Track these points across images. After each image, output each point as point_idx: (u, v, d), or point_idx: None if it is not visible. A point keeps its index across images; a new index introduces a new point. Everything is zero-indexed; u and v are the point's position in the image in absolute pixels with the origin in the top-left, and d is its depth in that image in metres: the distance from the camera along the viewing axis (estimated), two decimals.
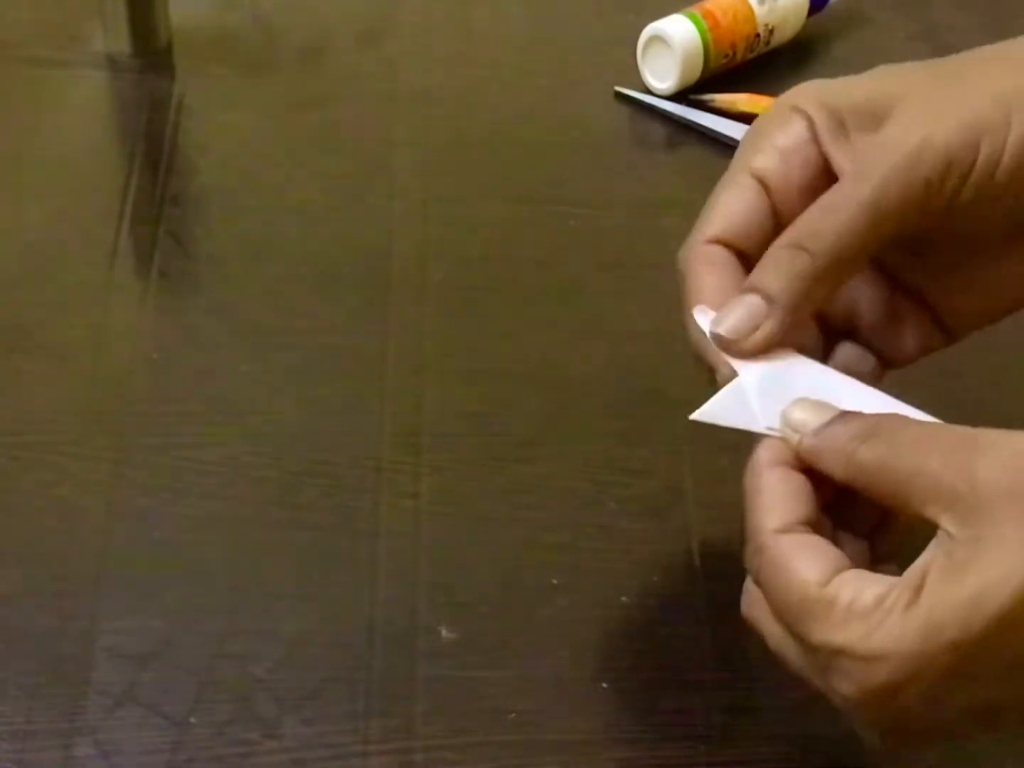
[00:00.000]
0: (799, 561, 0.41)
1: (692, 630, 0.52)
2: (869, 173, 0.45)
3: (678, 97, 0.74)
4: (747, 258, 0.47)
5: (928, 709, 0.39)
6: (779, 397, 0.45)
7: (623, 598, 0.52)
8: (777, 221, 0.47)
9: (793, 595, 0.40)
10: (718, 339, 0.46)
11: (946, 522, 0.39)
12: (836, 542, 0.43)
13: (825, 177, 0.47)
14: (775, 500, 0.43)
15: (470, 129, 0.72)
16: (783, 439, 0.44)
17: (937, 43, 0.80)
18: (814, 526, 0.42)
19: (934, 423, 0.43)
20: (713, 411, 0.46)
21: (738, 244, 0.48)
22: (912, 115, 0.45)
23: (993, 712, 0.40)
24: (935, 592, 0.38)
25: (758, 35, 0.75)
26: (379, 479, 0.55)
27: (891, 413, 0.43)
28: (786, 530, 0.42)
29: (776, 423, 0.44)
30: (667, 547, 0.54)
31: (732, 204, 0.48)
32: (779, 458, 0.43)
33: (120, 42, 0.73)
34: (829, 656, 0.39)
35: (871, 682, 0.39)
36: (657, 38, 0.74)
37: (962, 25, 0.82)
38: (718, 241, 0.48)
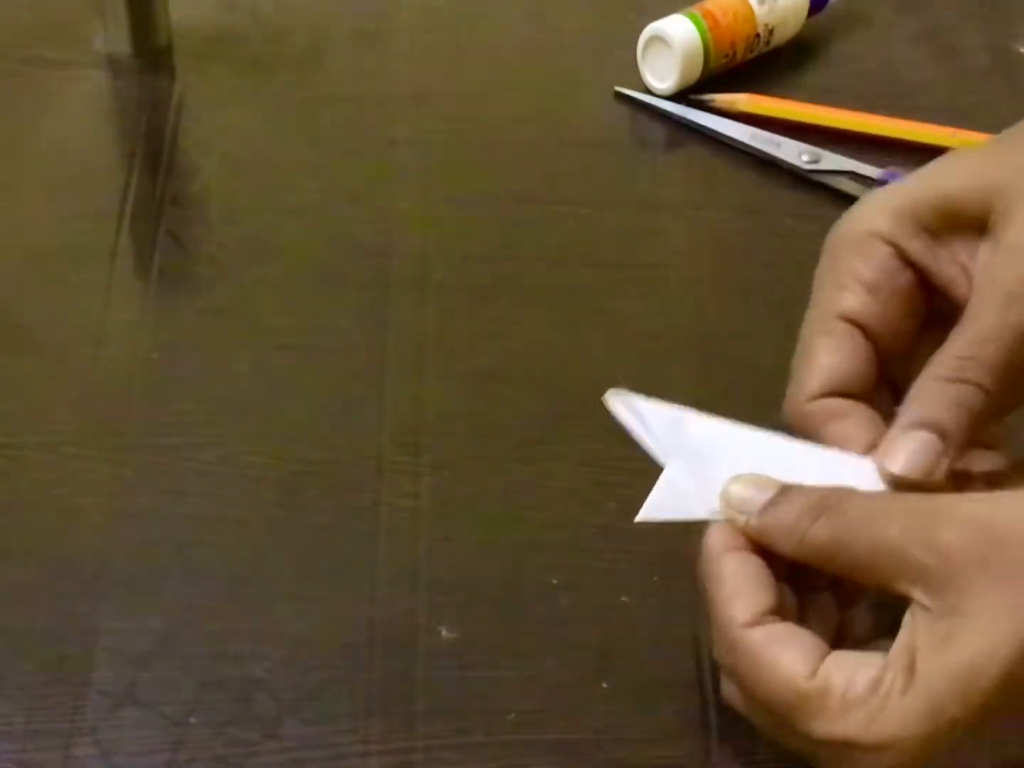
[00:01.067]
0: (780, 656, 0.41)
1: (692, 630, 0.52)
2: (1015, 290, 0.42)
3: (678, 97, 0.74)
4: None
5: None
6: (713, 476, 0.45)
7: (623, 598, 0.52)
8: (879, 362, 0.46)
9: (782, 692, 0.40)
10: (892, 479, 0.43)
11: (919, 596, 0.39)
12: (802, 618, 0.43)
13: (921, 294, 0.45)
14: (738, 590, 0.42)
15: (470, 129, 0.72)
16: (729, 521, 0.43)
17: (937, 43, 0.80)
18: (781, 611, 0.42)
19: (884, 494, 0.43)
20: (652, 510, 0.45)
21: (851, 391, 0.46)
22: None
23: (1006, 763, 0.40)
24: (928, 671, 0.38)
25: (758, 35, 0.75)
26: (379, 479, 0.55)
27: (836, 487, 0.43)
28: (757, 623, 0.41)
29: (716, 505, 0.44)
30: (667, 547, 0.54)
31: (830, 356, 0.46)
32: (732, 543, 0.43)
33: (120, 42, 0.73)
34: (837, 748, 0.40)
35: None
36: (657, 38, 0.74)
37: (962, 25, 0.82)
38: (829, 394, 0.46)
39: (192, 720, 0.47)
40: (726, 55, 0.74)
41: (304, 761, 0.47)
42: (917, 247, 0.45)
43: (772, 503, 0.43)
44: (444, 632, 0.51)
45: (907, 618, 0.40)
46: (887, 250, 0.46)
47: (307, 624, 0.50)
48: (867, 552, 0.40)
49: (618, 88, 0.75)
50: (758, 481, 0.44)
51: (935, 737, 0.38)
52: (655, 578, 0.53)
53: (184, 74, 0.73)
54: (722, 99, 0.74)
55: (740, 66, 0.76)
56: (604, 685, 0.50)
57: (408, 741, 0.47)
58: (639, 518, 0.45)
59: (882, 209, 0.46)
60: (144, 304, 0.62)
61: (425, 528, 0.54)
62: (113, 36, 0.73)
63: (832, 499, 0.42)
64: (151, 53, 0.74)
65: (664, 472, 0.46)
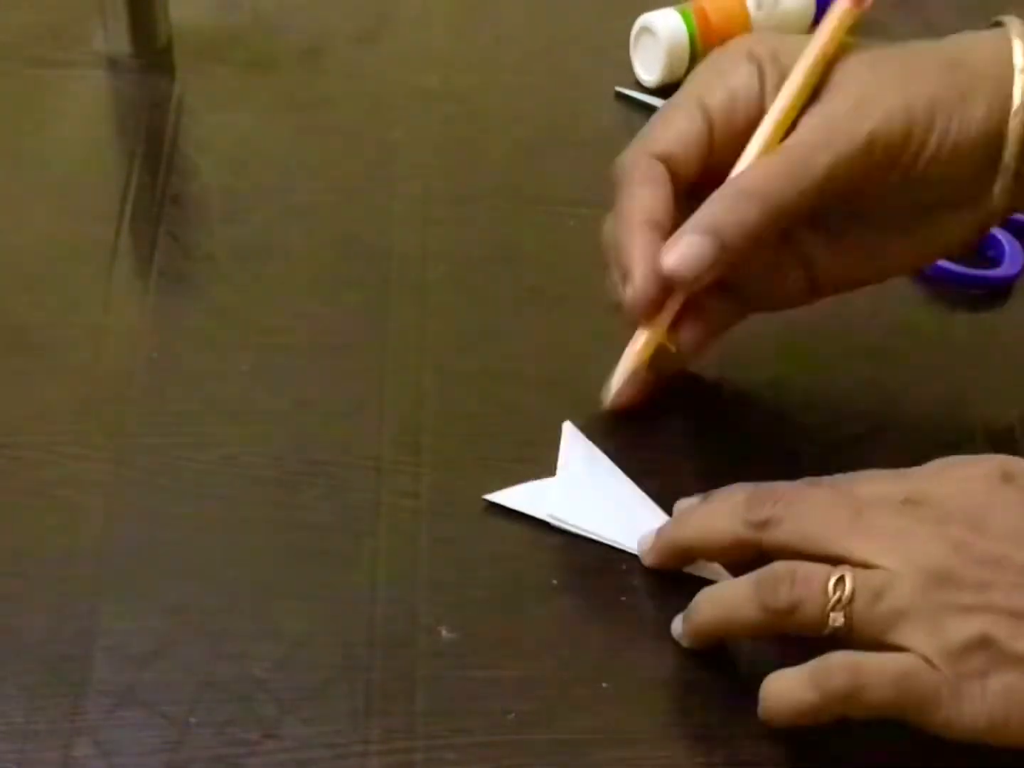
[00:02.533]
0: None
1: None
2: (825, 144, 0.51)
3: (672, 91, 0.74)
4: (679, 180, 0.53)
5: None
6: (584, 497, 0.54)
7: (623, 598, 0.52)
8: (712, 155, 0.53)
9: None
10: (666, 270, 0.51)
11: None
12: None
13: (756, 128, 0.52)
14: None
15: (470, 129, 0.72)
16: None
17: None
18: None
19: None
20: (507, 498, 0.54)
21: (677, 166, 0.53)
22: (857, 95, 0.51)
23: None
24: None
25: None
26: (379, 479, 0.55)
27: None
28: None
29: (567, 516, 0.53)
30: None
31: (680, 127, 0.53)
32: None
33: (120, 42, 0.73)
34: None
35: None
36: (646, 30, 0.74)
37: (961, 25, 0.82)
38: (659, 157, 0.53)
39: (192, 720, 0.47)
40: None
41: (304, 761, 0.47)
42: (772, 91, 0.52)
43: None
44: (444, 632, 0.51)
45: None
46: (756, 74, 0.53)
47: (307, 624, 0.50)
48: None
49: (618, 88, 0.75)
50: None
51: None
52: (655, 578, 0.53)
53: (184, 74, 0.73)
54: None
55: None
56: (604, 685, 0.50)
57: (408, 741, 0.47)
58: (491, 496, 0.54)
59: (764, 44, 0.54)
60: (144, 304, 0.62)
61: (425, 528, 0.54)
62: (113, 36, 0.73)
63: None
64: (151, 53, 0.74)
65: (547, 480, 0.54)
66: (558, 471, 0.55)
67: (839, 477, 0.49)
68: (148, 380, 0.58)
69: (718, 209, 0.51)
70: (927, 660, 0.44)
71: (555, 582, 0.53)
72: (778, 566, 0.47)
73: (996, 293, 0.66)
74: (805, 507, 0.48)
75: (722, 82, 0.53)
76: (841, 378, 0.61)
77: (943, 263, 0.65)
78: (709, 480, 0.53)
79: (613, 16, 0.79)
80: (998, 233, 0.67)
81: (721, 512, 0.49)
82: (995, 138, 0.52)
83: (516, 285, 0.64)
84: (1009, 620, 0.44)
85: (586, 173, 0.70)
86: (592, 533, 0.53)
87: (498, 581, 0.53)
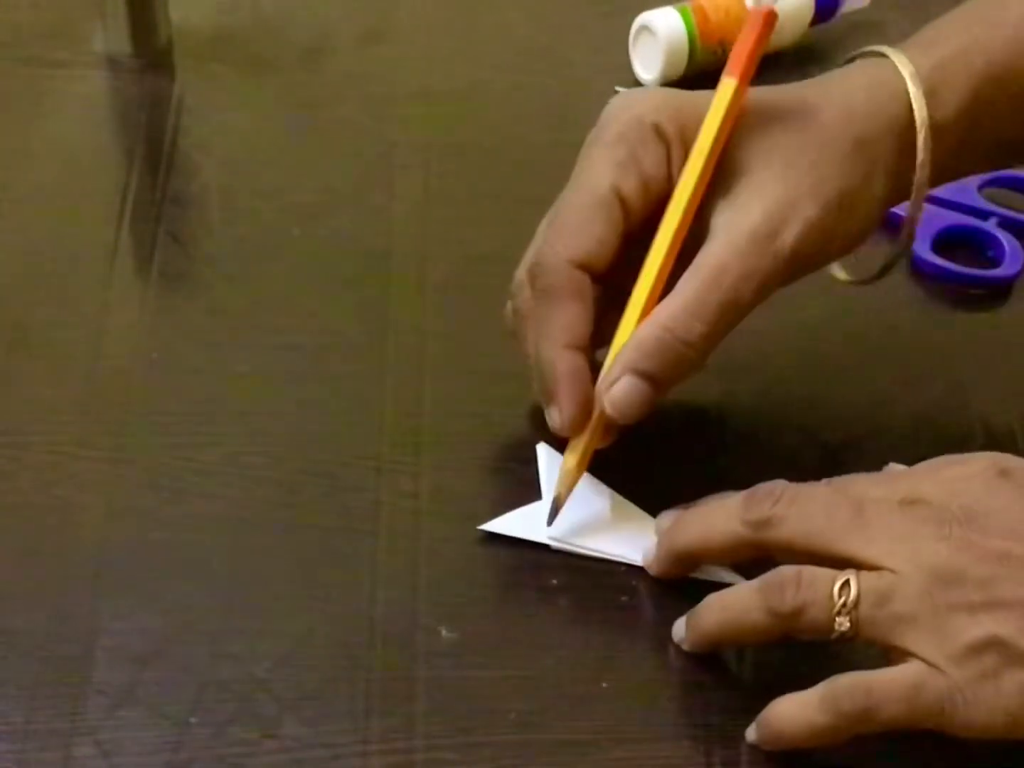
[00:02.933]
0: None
1: None
2: (750, 270, 0.51)
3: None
4: (596, 275, 0.52)
5: None
6: (576, 515, 0.53)
7: (623, 598, 0.52)
8: (627, 242, 0.53)
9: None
10: (605, 407, 0.52)
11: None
12: None
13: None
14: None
15: (470, 129, 0.72)
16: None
17: None
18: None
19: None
20: (500, 526, 0.53)
21: (598, 265, 0.52)
22: (773, 210, 0.51)
23: None
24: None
25: None
26: (379, 479, 0.55)
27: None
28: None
29: (565, 537, 0.53)
30: None
31: (601, 230, 0.52)
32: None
33: (120, 42, 0.73)
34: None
35: None
36: (645, 28, 0.74)
37: None
38: (583, 265, 0.52)
39: (192, 720, 0.47)
40: (714, 52, 0.74)
41: (304, 761, 0.47)
42: (678, 173, 0.52)
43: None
44: (444, 632, 0.50)
45: None
46: (664, 154, 0.52)
47: (307, 624, 0.50)
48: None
49: (618, 88, 0.75)
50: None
51: None
52: (655, 578, 0.53)
53: (184, 74, 0.73)
54: None
55: None
56: (604, 685, 0.50)
57: (408, 741, 0.47)
58: (486, 526, 0.53)
59: (667, 113, 0.53)
60: (144, 304, 0.62)
61: (425, 528, 0.54)
62: (113, 36, 0.73)
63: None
64: (151, 53, 0.74)
65: (538, 504, 0.54)
66: (543, 494, 0.54)
67: (835, 480, 0.49)
68: (148, 380, 0.58)
69: (651, 351, 0.51)
70: (935, 666, 0.44)
71: (555, 582, 0.53)
72: (784, 570, 0.47)
73: (996, 293, 0.66)
74: (806, 505, 0.48)
75: (636, 169, 0.52)
76: (840, 378, 0.61)
77: (943, 263, 0.65)
78: (707, 485, 0.53)
79: (612, 15, 0.79)
80: (998, 233, 0.67)
81: (719, 514, 0.50)
82: (893, 199, 0.54)
83: None
84: (1018, 615, 0.44)
85: None
86: (593, 551, 0.53)
87: (498, 581, 0.53)
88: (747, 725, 0.48)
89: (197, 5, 0.77)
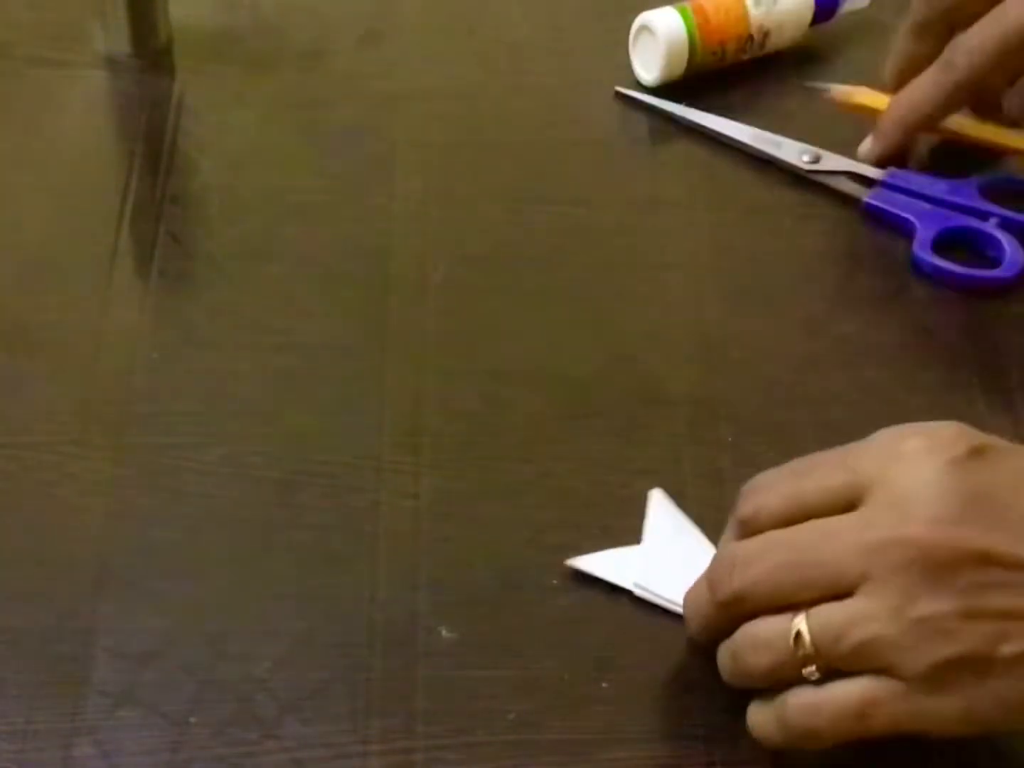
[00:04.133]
0: None
1: None
2: None
3: (674, 94, 0.74)
4: None
5: None
6: (669, 566, 0.52)
7: (623, 598, 0.52)
8: None
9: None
10: None
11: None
12: None
13: None
14: None
15: (470, 129, 0.72)
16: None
17: None
18: None
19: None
20: (588, 564, 0.52)
21: None
22: None
23: None
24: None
25: (751, 36, 0.75)
26: (379, 479, 0.55)
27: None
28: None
29: (652, 586, 0.52)
30: None
31: None
32: None
33: (120, 42, 0.73)
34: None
35: None
36: (645, 28, 0.74)
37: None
38: None
39: (192, 720, 0.47)
40: (714, 52, 0.74)
41: (304, 761, 0.47)
42: None
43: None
44: (444, 632, 0.50)
45: None
46: None
47: (307, 624, 0.50)
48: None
49: (618, 88, 0.75)
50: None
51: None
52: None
53: (184, 74, 0.73)
54: (839, 90, 0.73)
55: (736, 66, 0.76)
56: (604, 685, 0.50)
57: (408, 741, 0.47)
58: (574, 562, 0.52)
59: None
60: (144, 304, 0.62)
61: (425, 528, 0.54)
62: (113, 36, 0.73)
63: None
64: (151, 53, 0.74)
65: (636, 548, 0.53)
66: (644, 538, 0.53)
67: (793, 470, 0.48)
68: (148, 380, 0.58)
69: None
70: (903, 679, 0.43)
71: (555, 582, 0.53)
72: (738, 636, 0.46)
73: (996, 293, 0.66)
74: (764, 562, 0.46)
75: None
76: (840, 379, 0.61)
77: (943, 264, 0.65)
78: (709, 479, 0.53)
79: (612, 15, 0.79)
80: (998, 233, 0.67)
81: (699, 600, 0.49)
82: None
83: (516, 285, 0.64)
84: (989, 625, 0.42)
85: (586, 173, 0.70)
86: (677, 604, 0.51)
87: (498, 581, 0.53)
88: (747, 725, 0.48)
89: (197, 5, 0.77)
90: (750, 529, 0.47)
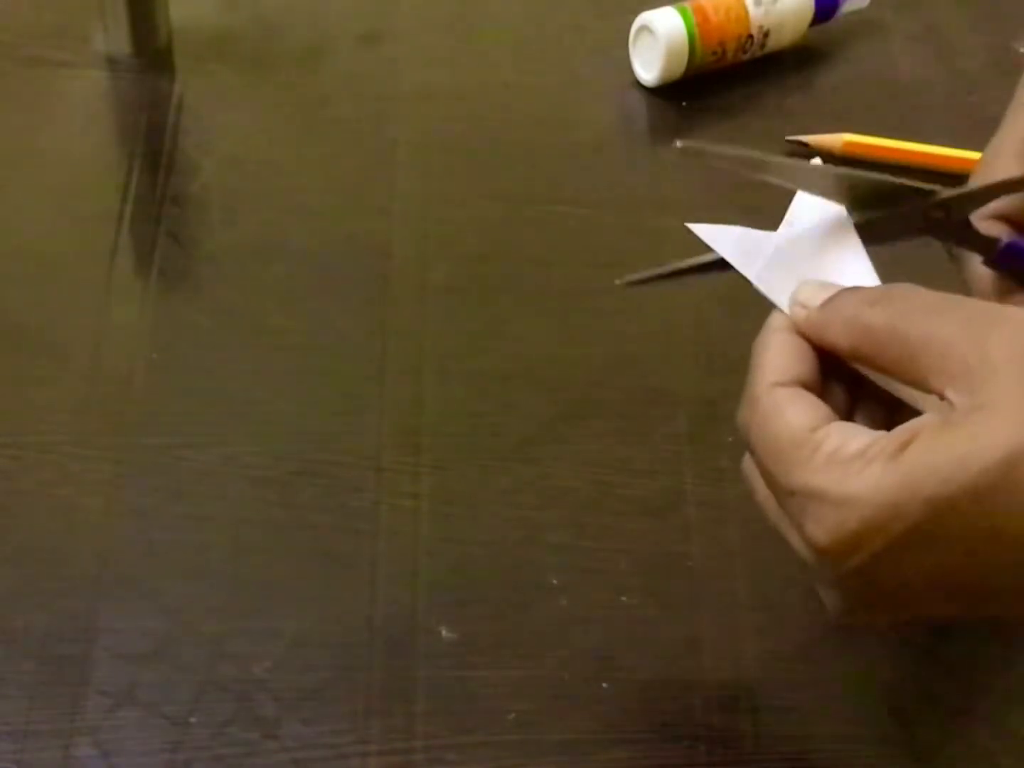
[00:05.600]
0: (790, 409, 0.40)
1: (692, 630, 0.52)
2: None
3: (674, 94, 0.74)
4: None
5: (893, 568, 0.38)
6: (794, 267, 0.45)
7: (623, 598, 0.52)
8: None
9: (782, 440, 0.40)
10: None
11: (950, 393, 0.38)
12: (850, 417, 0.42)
13: None
14: (776, 359, 0.42)
15: (470, 129, 0.72)
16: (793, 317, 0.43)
17: (937, 44, 0.80)
18: (814, 390, 0.42)
19: (948, 294, 0.41)
20: (715, 235, 0.46)
21: None
22: None
23: (960, 590, 0.38)
24: (922, 448, 0.37)
25: (751, 36, 0.75)
26: (379, 479, 0.55)
27: (903, 284, 0.42)
28: (782, 384, 0.41)
29: (772, 286, 0.45)
30: (667, 547, 0.54)
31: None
32: (788, 324, 0.43)
33: (120, 42, 0.73)
34: (805, 500, 0.39)
35: (840, 528, 0.38)
36: (645, 28, 0.74)
37: (962, 25, 0.82)
38: None
39: (192, 720, 0.47)
40: (714, 52, 0.74)
41: (304, 761, 0.47)
42: None
43: (832, 297, 0.43)
44: (444, 632, 0.51)
45: (928, 409, 0.39)
46: None
47: (307, 624, 0.50)
48: (917, 341, 0.39)
49: (618, 88, 0.75)
50: (824, 286, 0.43)
51: (900, 508, 0.37)
52: (655, 578, 0.53)
53: (184, 74, 0.73)
54: (817, 140, 0.73)
55: (735, 66, 0.76)
56: (604, 685, 0.50)
57: (408, 741, 0.47)
58: (692, 227, 0.46)
59: None
60: (144, 304, 0.61)
61: (425, 528, 0.54)
62: (113, 36, 0.73)
63: (896, 291, 0.41)
64: (151, 53, 0.74)
65: (765, 233, 0.46)
66: (781, 226, 0.47)
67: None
68: (148, 380, 0.58)
69: None
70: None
71: (555, 582, 0.53)
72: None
73: None
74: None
75: None
76: None
77: None
78: (709, 479, 0.53)
79: (612, 15, 0.79)
80: None
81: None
82: None
83: (516, 285, 0.64)
84: None
85: (586, 173, 0.70)
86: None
87: (498, 581, 0.53)
88: (747, 725, 0.48)
89: (197, 5, 0.77)
90: None
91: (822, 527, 0.38)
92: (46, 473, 0.54)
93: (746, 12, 0.75)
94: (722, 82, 0.75)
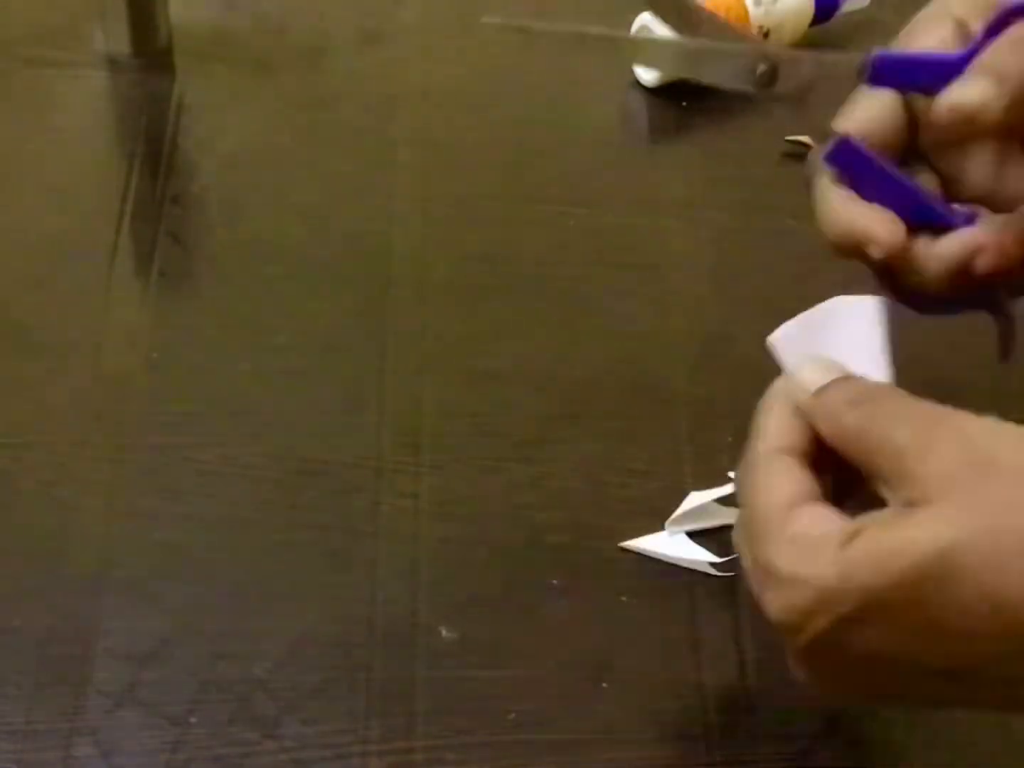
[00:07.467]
0: (776, 481, 0.42)
1: (692, 630, 0.52)
2: None
3: (674, 94, 0.74)
4: None
5: (837, 648, 0.40)
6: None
7: (623, 598, 0.52)
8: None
9: (759, 511, 0.42)
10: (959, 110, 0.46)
11: (898, 492, 0.40)
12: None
13: None
14: (775, 425, 0.44)
15: (470, 129, 0.72)
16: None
17: None
18: (810, 457, 0.43)
19: (918, 400, 0.43)
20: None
21: None
22: None
23: (912, 675, 0.40)
24: (864, 539, 0.39)
25: None
26: (379, 479, 0.55)
27: (887, 384, 0.45)
28: (779, 450, 0.43)
29: (785, 351, 0.47)
30: None
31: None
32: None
33: (120, 42, 0.73)
34: (764, 574, 0.41)
35: (788, 606, 0.40)
36: (645, 28, 0.74)
37: None
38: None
39: (192, 720, 0.47)
40: None
41: (304, 761, 0.47)
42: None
43: (825, 387, 0.44)
44: (444, 632, 0.51)
45: (890, 502, 0.42)
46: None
47: (307, 624, 0.50)
48: (877, 444, 0.42)
49: (618, 88, 0.75)
50: (828, 367, 0.45)
51: (839, 593, 0.39)
52: (655, 579, 0.53)
53: (184, 74, 0.73)
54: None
55: None
56: (604, 685, 0.50)
57: (408, 741, 0.47)
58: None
59: None
60: (144, 304, 0.61)
61: (425, 528, 0.54)
62: (113, 36, 0.73)
63: (874, 392, 0.44)
64: (151, 53, 0.74)
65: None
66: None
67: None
68: (148, 380, 0.58)
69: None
70: None
71: (555, 582, 0.53)
72: None
73: None
74: None
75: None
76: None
77: None
78: (709, 479, 0.53)
79: (613, 15, 0.79)
80: None
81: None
82: None
83: (516, 285, 0.64)
84: None
85: (586, 173, 0.70)
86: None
87: (498, 581, 0.53)
88: (747, 725, 0.48)
89: (197, 5, 0.77)
90: None
91: (775, 603, 0.40)
92: (46, 473, 0.54)
93: (746, 12, 0.75)
94: None
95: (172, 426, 0.56)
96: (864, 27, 0.80)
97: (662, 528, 0.54)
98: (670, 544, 0.53)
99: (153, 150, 0.68)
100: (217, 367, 0.59)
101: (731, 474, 0.54)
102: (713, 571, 0.52)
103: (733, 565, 0.52)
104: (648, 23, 0.74)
